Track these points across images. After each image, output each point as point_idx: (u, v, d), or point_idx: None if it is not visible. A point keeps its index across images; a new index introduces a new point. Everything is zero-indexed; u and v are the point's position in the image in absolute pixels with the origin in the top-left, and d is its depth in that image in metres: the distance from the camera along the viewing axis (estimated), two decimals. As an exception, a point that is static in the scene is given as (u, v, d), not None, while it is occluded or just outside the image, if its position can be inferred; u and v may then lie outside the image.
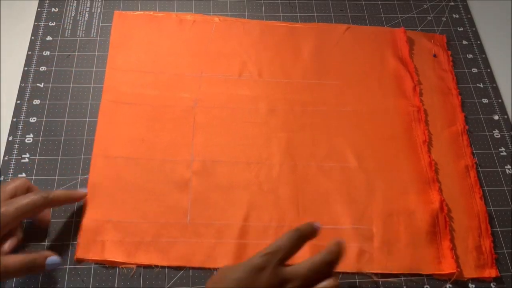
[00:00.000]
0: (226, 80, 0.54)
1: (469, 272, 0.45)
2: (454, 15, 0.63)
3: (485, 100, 0.56)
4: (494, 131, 0.54)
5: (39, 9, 0.58)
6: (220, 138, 0.50)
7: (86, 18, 0.57)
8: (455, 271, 0.44)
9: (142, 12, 0.58)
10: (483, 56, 0.59)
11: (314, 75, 0.55)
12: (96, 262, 0.43)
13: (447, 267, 0.45)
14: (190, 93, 0.52)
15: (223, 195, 0.47)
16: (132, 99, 0.51)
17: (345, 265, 0.44)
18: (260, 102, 0.53)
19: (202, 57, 0.55)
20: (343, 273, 0.44)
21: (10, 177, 0.46)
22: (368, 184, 0.49)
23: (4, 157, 0.47)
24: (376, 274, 0.44)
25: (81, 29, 0.56)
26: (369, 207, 0.47)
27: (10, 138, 0.49)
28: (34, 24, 0.56)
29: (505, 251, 0.47)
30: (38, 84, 0.52)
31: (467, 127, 0.53)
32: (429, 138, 0.52)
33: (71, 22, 0.57)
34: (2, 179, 0.46)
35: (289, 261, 0.36)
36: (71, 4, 0.58)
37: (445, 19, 0.62)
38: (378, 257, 0.45)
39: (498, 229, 0.48)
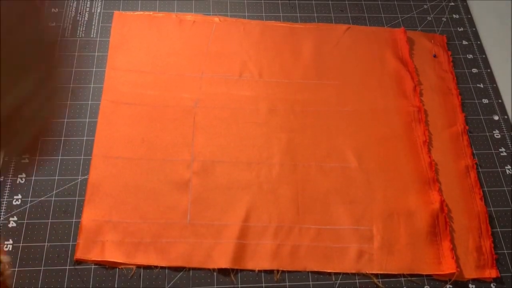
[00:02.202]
0: (227, 81, 0.54)
1: (470, 272, 0.45)
2: (454, 15, 0.63)
3: (485, 101, 0.56)
4: (494, 132, 0.54)
5: (39, 9, 0.57)
6: (221, 138, 0.50)
7: (86, 19, 0.57)
8: (455, 271, 0.44)
9: (142, 13, 0.57)
10: (483, 56, 0.59)
11: (315, 75, 0.55)
12: (96, 263, 0.43)
13: (447, 267, 0.45)
14: (191, 93, 0.52)
15: (223, 195, 0.47)
16: (132, 99, 0.51)
17: (345, 266, 0.44)
18: (261, 102, 0.53)
19: (202, 58, 0.55)
20: (343, 273, 0.44)
21: (10, 178, 0.46)
22: (368, 184, 0.49)
23: (4, 157, 0.47)
24: (376, 275, 0.44)
25: (81, 30, 0.56)
26: (369, 208, 0.47)
27: (10, 139, 0.49)
28: (34, 24, 0.56)
29: (505, 251, 0.46)
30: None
31: (467, 127, 0.53)
32: (429, 139, 0.52)
33: (71, 22, 0.57)
34: (2, 179, 0.46)
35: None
36: (71, 5, 0.58)
37: (445, 19, 0.62)
38: (378, 257, 0.45)
39: (498, 229, 0.48)
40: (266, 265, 0.44)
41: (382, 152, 0.51)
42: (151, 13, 0.57)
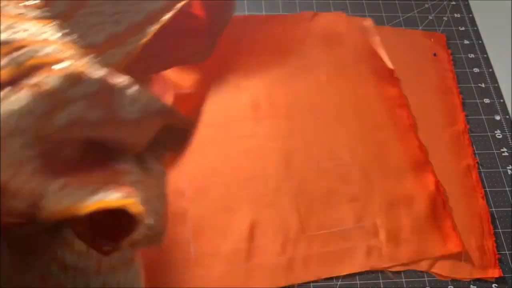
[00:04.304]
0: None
1: (472, 272, 0.45)
2: (455, 15, 0.62)
3: (486, 100, 0.56)
4: (495, 132, 0.54)
5: (37, 9, 0.57)
6: (210, 159, 0.47)
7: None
8: (461, 249, 0.45)
9: None
10: (485, 55, 0.59)
11: (289, 76, 0.53)
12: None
13: (453, 246, 0.45)
14: None
15: (224, 219, 0.44)
16: None
17: (356, 266, 0.44)
18: (247, 113, 0.50)
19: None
20: (344, 275, 0.44)
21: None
22: (364, 178, 0.48)
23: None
24: (382, 271, 0.44)
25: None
26: (369, 202, 0.47)
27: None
28: (32, 23, 0.56)
29: (506, 252, 0.46)
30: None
31: (468, 126, 0.53)
32: (414, 121, 0.52)
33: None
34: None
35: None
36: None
37: (446, 19, 0.62)
38: (386, 250, 0.45)
39: (500, 230, 0.47)
40: (282, 282, 0.42)
41: (372, 143, 0.50)
42: None
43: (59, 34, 0.29)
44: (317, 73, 0.54)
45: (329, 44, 0.56)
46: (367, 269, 0.44)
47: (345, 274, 0.44)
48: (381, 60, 0.55)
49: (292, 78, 0.53)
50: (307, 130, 0.50)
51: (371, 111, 0.52)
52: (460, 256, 0.45)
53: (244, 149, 0.48)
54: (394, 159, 0.49)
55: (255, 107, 0.51)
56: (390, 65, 0.55)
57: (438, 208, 0.47)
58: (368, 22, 0.58)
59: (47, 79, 0.25)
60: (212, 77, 0.52)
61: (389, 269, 0.44)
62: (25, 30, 0.27)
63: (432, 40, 0.59)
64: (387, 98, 0.53)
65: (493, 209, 0.49)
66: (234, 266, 0.43)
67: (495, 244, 0.46)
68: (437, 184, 0.48)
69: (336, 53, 0.56)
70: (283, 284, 0.43)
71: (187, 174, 0.46)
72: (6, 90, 0.24)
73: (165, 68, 0.47)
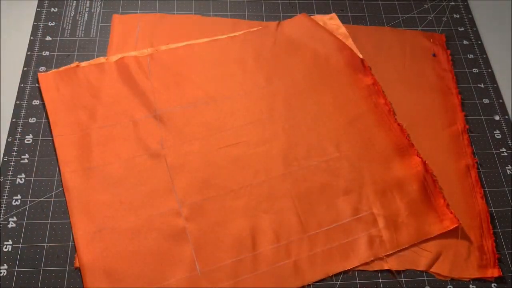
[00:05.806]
0: (184, 111, 0.50)
1: (472, 272, 0.45)
2: (455, 15, 0.63)
3: (486, 101, 0.56)
4: (495, 132, 0.54)
5: (38, 9, 0.57)
6: (200, 173, 0.47)
7: (85, 18, 0.57)
8: (458, 224, 0.46)
9: (64, 68, 0.52)
10: (484, 56, 0.59)
11: (264, 80, 0.53)
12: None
13: (450, 223, 0.46)
14: (153, 136, 0.49)
15: (224, 231, 0.44)
16: (93, 162, 0.47)
17: (361, 257, 0.44)
18: (227, 123, 0.50)
19: (148, 95, 0.51)
20: (343, 274, 0.44)
21: (9, 178, 0.46)
22: (354, 169, 0.49)
23: (3, 158, 0.47)
24: (382, 271, 0.44)
25: (81, 29, 0.56)
26: (362, 192, 0.47)
27: (10, 139, 0.48)
28: (33, 24, 0.56)
29: (506, 252, 0.46)
30: (37, 85, 0.52)
31: (467, 126, 0.53)
32: (391, 107, 0.53)
33: (70, 22, 0.57)
34: (1, 179, 0.46)
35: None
36: (71, 4, 0.58)
37: (445, 19, 0.62)
38: (387, 237, 0.45)
39: (499, 230, 0.48)
40: (293, 285, 0.43)
41: (355, 133, 0.51)
42: (74, 64, 0.52)
43: None
44: (291, 76, 0.54)
45: (296, 47, 0.56)
46: (371, 258, 0.44)
47: (351, 267, 0.44)
48: (351, 51, 0.56)
49: (267, 84, 0.53)
50: (290, 130, 0.50)
51: (349, 102, 0.53)
52: (460, 253, 0.45)
53: (231, 159, 0.48)
54: (378, 146, 0.50)
55: (233, 115, 0.51)
56: (359, 54, 0.56)
57: (429, 187, 0.48)
58: (333, 17, 0.59)
59: None
60: (185, 91, 0.52)
61: (391, 255, 0.45)
62: None
63: (431, 40, 0.59)
64: (363, 87, 0.54)
65: (493, 209, 0.49)
66: (242, 278, 0.42)
67: (494, 244, 0.46)
68: (424, 163, 0.49)
69: (305, 54, 0.56)
70: (294, 287, 0.43)
71: (179, 193, 0.46)
72: None
73: None
